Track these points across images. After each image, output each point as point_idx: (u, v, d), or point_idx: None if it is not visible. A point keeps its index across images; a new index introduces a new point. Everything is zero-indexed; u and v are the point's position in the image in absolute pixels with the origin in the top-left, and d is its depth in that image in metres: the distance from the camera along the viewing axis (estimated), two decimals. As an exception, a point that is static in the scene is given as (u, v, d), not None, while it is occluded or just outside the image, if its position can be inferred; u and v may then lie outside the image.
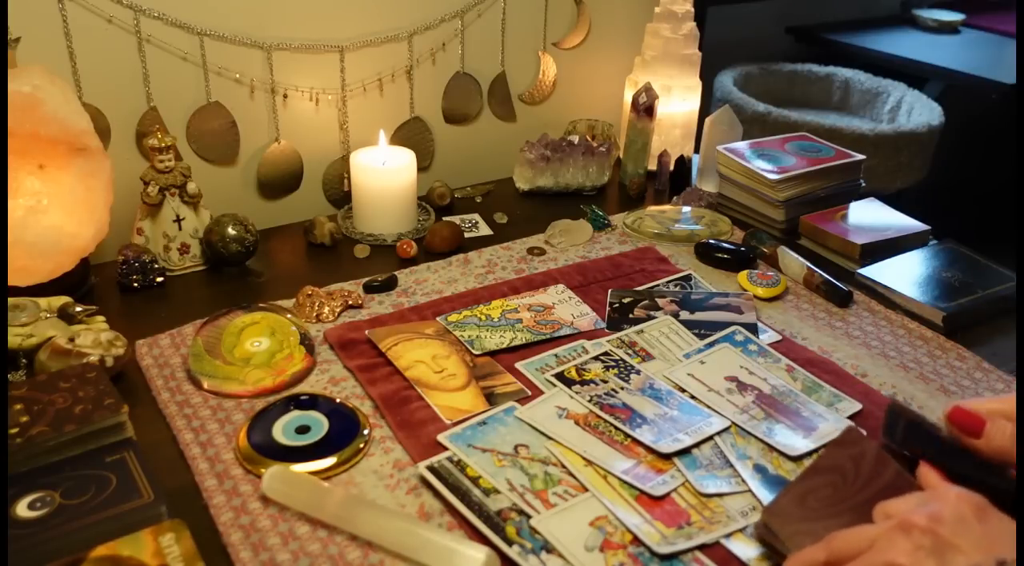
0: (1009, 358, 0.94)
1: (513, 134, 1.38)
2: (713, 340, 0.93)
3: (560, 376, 0.86)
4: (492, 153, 1.38)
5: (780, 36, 2.63)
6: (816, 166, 1.21)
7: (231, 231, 1.04)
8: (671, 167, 1.33)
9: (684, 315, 0.98)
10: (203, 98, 1.12)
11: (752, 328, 0.96)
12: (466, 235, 1.16)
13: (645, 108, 1.28)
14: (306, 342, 0.91)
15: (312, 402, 0.83)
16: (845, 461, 0.69)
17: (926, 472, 0.63)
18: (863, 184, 1.26)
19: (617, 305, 1.00)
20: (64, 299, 0.90)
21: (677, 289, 1.04)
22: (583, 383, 0.85)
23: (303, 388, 0.86)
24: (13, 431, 0.69)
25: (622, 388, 0.85)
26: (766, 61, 2.43)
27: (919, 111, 2.23)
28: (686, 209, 1.25)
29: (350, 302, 0.99)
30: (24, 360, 0.84)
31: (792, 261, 1.09)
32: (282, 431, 0.78)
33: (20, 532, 0.63)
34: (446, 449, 0.76)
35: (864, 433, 0.75)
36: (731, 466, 0.75)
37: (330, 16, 1.16)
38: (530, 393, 0.85)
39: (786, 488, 0.70)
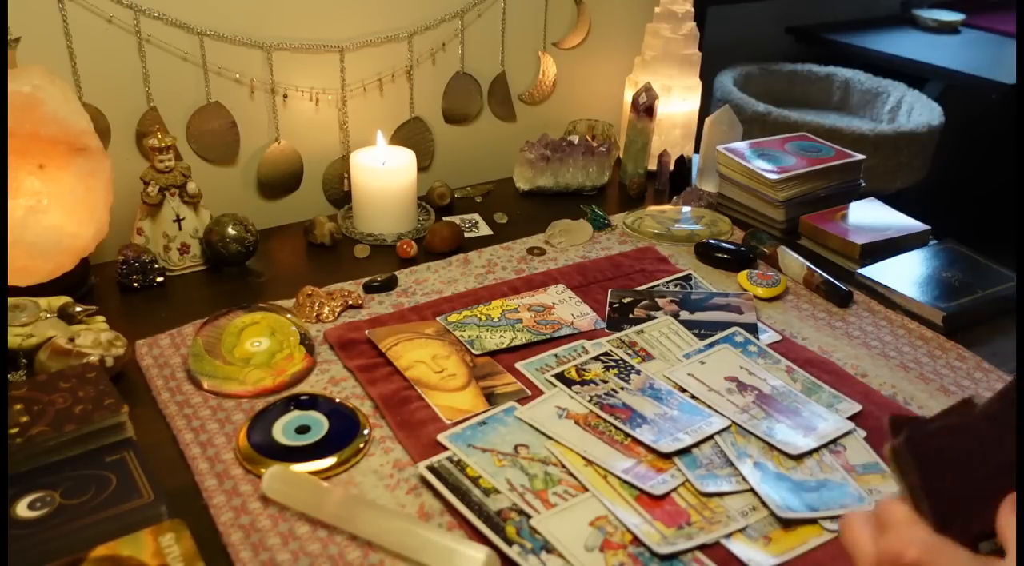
0: (1009, 358, 0.94)
1: (513, 134, 1.38)
2: (713, 341, 0.93)
3: (560, 376, 0.86)
4: (492, 153, 1.38)
5: (780, 36, 2.62)
6: (816, 166, 1.20)
7: (231, 231, 1.04)
8: (671, 167, 1.33)
9: (684, 315, 0.98)
10: (203, 98, 1.12)
11: (752, 328, 0.96)
12: (466, 235, 1.16)
13: (645, 108, 1.28)
14: (306, 342, 0.91)
15: (312, 402, 0.83)
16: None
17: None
18: (863, 184, 1.26)
19: (617, 305, 1.00)
20: (64, 299, 0.90)
21: (677, 289, 1.04)
22: (583, 383, 0.85)
23: (303, 388, 0.86)
24: (13, 431, 0.69)
25: (622, 388, 0.85)
26: (766, 61, 2.43)
27: (919, 111, 2.23)
28: (686, 209, 1.25)
29: (350, 302, 0.99)
30: (24, 360, 0.84)
31: (792, 261, 1.09)
32: (282, 431, 0.78)
33: (20, 532, 0.63)
34: (446, 449, 0.76)
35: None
36: (731, 465, 0.75)
37: (330, 16, 1.16)
38: (530, 393, 0.85)
39: (930, 424, 0.62)
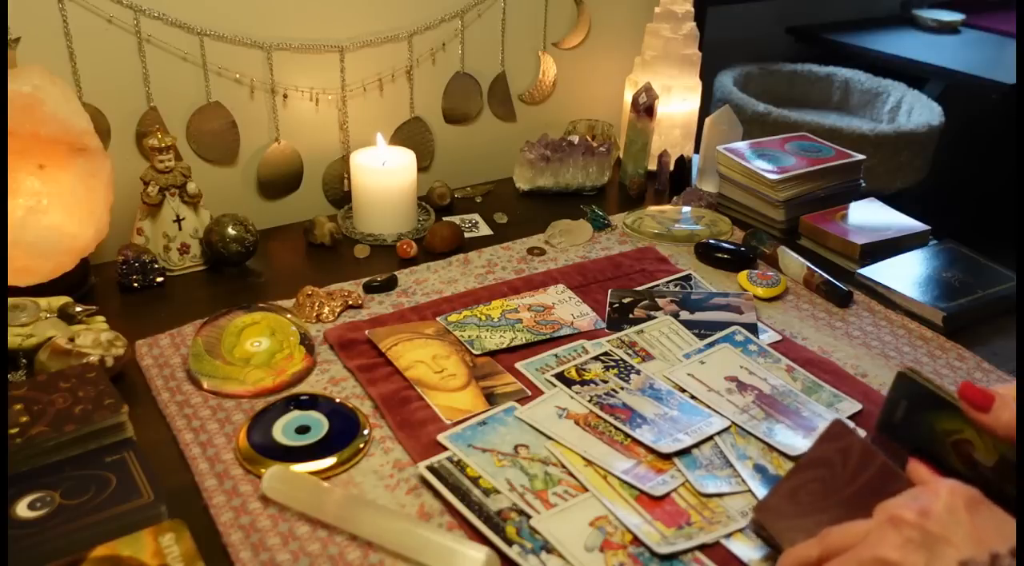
0: (1009, 358, 0.94)
1: (513, 134, 1.38)
2: (713, 340, 0.93)
3: (560, 376, 0.86)
4: (492, 153, 1.38)
5: (780, 36, 2.63)
6: (816, 166, 1.21)
7: (231, 231, 1.04)
8: (671, 167, 1.33)
9: (684, 315, 0.98)
10: (203, 98, 1.12)
11: (752, 328, 0.96)
12: (466, 235, 1.16)
13: (645, 108, 1.28)
14: (306, 342, 0.91)
15: (312, 402, 0.83)
16: (833, 455, 0.69)
17: (916, 467, 0.63)
18: (863, 184, 1.26)
19: (617, 305, 1.00)
20: (64, 299, 0.90)
21: (677, 289, 1.04)
22: (583, 383, 0.85)
23: (303, 388, 0.86)
24: (13, 431, 0.69)
25: (622, 388, 0.85)
26: (766, 61, 2.43)
27: (919, 111, 2.23)
28: (686, 209, 1.25)
29: (350, 302, 0.99)
30: (24, 360, 0.84)
31: (792, 261, 1.09)
32: (282, 431, 0.78)
33: (20, 532, 0.63)
34: (446, 449, 0.76)
35: (851, 425, 0.74)
36: (731, 466, 0.75)
37: (330, 16, 1.16)
38: (530, 393, 0.85)
39: (776, 484, 0.70)
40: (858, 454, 0.69)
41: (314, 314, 0.97)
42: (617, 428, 0.79)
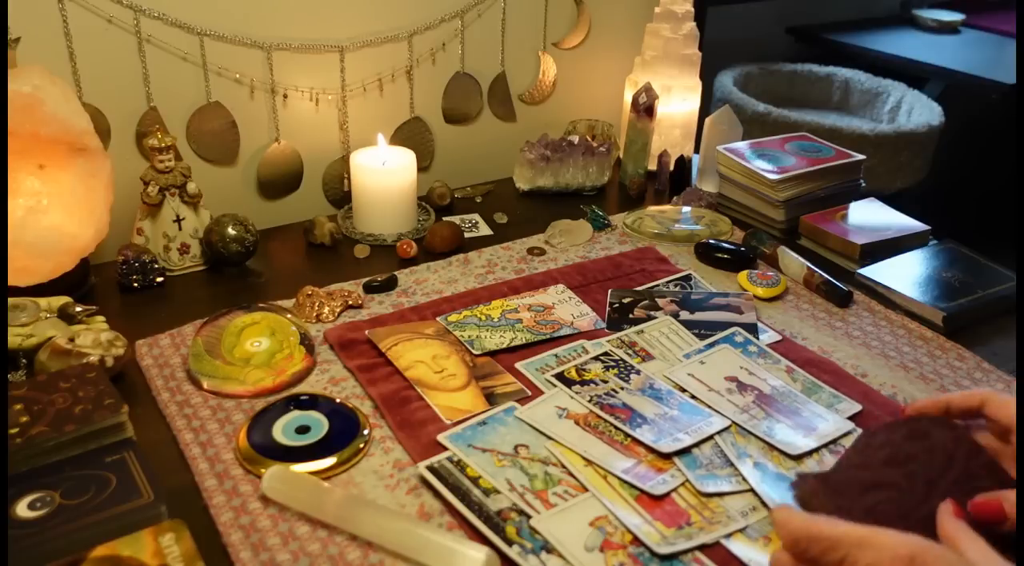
0: (1009, 358, 0.94)
1: (513, 134, 1.38)
2: (713, 340, 0.93)
3: (560, 376, 0.86)
4: (492, 153, 1.38)
5: (780, 36, 2.63)
6: (816, 166, 1.21)
7: (231, 231, 1.04)
8: (671, 167, 1.33)
9: (684, 315, 0.98)
10: (203, 98, 1.12)
11: (752, 328, 0.96)
12: (466, 235, 1.16)
13: (645, 108, 1.28)
14: (306, 342, 0.91)
15: (312, 402, 0.83)
16: (920, 454, 0.64)
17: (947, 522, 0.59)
18: (863, 184, 1.26)
19: (617, 305, 1.00)
20: (64, 299, 0.90)
21: (677, 289, 1.04)
22: (583, 383, 0.85)
23: (303, 388, 0.86)
24: (13, 431, 0.69)
25: (622, 388, 0.85)
26: (766, 61, 2.43)
27: (919, 111, 2.23)
28: (686, 209, 1.25)
29: (350, 302, 0.99)
30: (24, 360, 0.84)
31: (792, 261, 1.09)
32: (282, 431, 0.78)
33: (20, 532, 0.63)
34: (446, 449, 0.76)
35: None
36: (731, 465, 0.75)
37: (330, 16, 1.16)
38: (530, 393, 0.85)
39: (851, 463, 0.66)
40: (941, 456, 0.63)
41: (314, 314, 0.97)
42: (617, 428, 0.79)
